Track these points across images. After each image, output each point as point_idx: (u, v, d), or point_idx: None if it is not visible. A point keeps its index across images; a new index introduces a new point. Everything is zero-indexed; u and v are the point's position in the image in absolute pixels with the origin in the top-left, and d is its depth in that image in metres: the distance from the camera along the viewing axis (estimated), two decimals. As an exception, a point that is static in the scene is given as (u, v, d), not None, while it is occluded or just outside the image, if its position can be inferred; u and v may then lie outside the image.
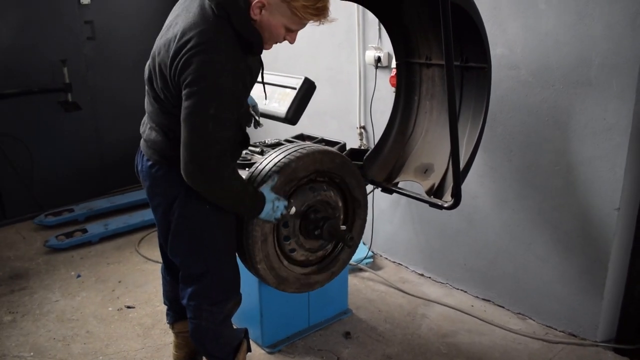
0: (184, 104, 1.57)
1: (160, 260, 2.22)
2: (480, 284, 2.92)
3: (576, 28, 2.26)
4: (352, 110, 3.33)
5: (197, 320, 1.91)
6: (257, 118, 2.13)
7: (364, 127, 3.30)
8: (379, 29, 3.03)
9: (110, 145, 4.32)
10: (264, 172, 1.87)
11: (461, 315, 2.79)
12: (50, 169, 4.06)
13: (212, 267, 1.86)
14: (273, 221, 1.84)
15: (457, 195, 2.05)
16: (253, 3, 1.57)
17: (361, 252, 3.25)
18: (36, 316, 2.84)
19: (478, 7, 2.02)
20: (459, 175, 2.01)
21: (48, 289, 3.10)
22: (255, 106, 2.15)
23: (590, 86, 2.28)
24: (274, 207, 1.79)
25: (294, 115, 2.43)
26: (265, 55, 1.77)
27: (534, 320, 2.71)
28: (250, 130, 1.99)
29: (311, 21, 1.64)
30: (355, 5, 2.94)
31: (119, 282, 3.18)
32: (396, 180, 2.40)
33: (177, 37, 1.57)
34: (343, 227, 2.06)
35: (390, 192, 2.41)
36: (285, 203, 1.84)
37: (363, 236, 2.35)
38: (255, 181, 1.86)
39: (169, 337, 2.50)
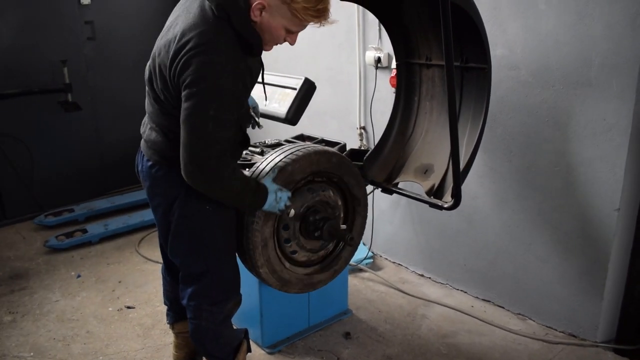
0: (184, 105, 1.57)
1: (160, 260, 2.22)
2: (480, 285, 2.92)
3: (576, 28, 2.26)
4: (352, 110, 3.33)
5: (197, 320, 1.91)
6: (257, 119, 2.13)
7: (364, 128, 3.30)
8: (379, 29, 3.02)
9: (110, 145, 4.32)
10: (263, 173, 1.87)
11: (461, 315, 2.79)
12: (50, 169, 4.06)
13: (212, 266, 1.86)
14: (277, 212, 1.83)
15: (457, 196, 2.05)
16: (253, 4, 1.57)
17: (361, 252, 3.24)
18: (36, 316, 2.84)
19: (478, 7, 2.02)
20: (459, 176, 2.01)
21: (48, 289, 3.10)
22: (255, 107, 2.16)
23: (590, 86, 2.28)
24: (276, 197, 1.79)
25: (294, 115, 2.43)
26: (266, 55, 1.77)
27: (534, 321, 2.71)
28: (250, 130, 1.99)
29: (311, 23, 1.63)
30: (355, 5, 2.94)
31: (119, 282, 3.18)
32: (396, 181, 2.40)
33: (177, 37, 1.57)
34: (343, 227, 2.06)
35: (390, 192, 2.41)
36: (289, 194, 1.83)
37: (363, 237, 2.35)
38: (258, 176, 1.86)
39: (169, 337, 2.50)
